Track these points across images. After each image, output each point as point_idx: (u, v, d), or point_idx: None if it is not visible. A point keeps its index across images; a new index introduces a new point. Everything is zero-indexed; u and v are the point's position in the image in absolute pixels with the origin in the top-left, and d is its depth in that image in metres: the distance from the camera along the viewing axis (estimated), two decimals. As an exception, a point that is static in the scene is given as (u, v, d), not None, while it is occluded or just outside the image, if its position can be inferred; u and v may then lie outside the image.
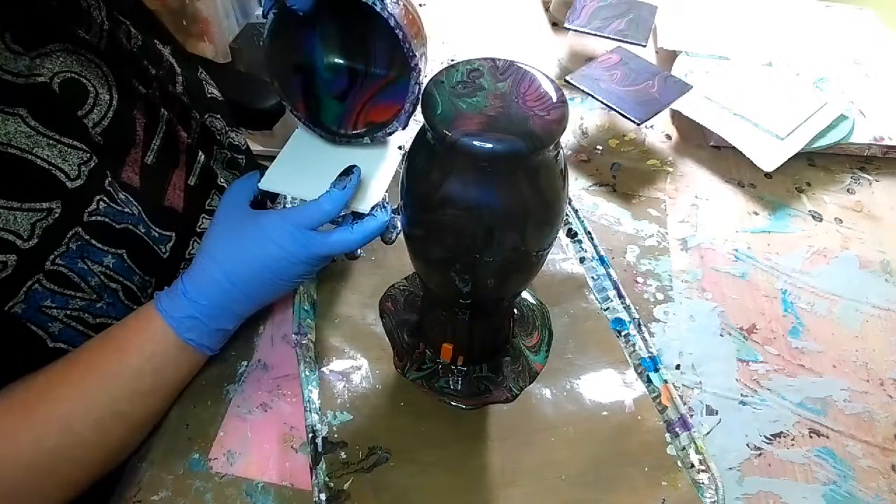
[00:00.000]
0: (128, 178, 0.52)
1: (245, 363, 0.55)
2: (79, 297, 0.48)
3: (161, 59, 0.59)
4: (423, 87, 0.38)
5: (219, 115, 0.68)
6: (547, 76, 0.38)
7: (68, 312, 0.48)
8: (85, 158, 0.46)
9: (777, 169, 0.71)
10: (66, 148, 0.45)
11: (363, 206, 0.49)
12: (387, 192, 0.50)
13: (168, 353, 0.47)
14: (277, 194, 0.67)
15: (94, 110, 0.49)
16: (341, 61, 0.52)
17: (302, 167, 0.51)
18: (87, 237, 0.47)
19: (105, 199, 0.48)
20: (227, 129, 0.70)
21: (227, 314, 0.49)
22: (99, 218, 0.48)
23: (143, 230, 0.51)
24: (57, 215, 0.45)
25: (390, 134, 0.50)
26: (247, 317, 0.51)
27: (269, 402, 0.53)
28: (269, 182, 0.50)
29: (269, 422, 0.51)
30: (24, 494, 0.43)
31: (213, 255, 0.48)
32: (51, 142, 0.45)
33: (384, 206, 0.49)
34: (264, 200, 0.66)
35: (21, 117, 0.43)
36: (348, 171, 0.47)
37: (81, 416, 0.44)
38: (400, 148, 0.52)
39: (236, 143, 0.71)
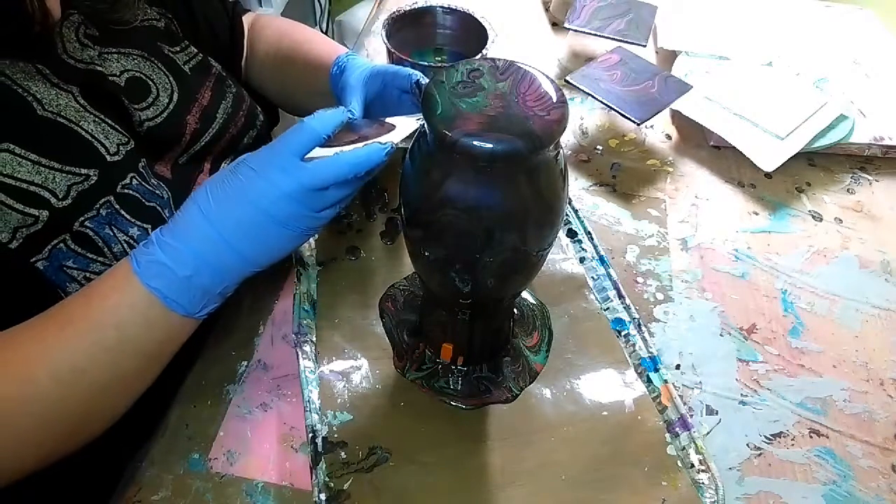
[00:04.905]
0: (160, 170, 0.56)
1: (245, 363, 0.55)
2: (100, 261, 0.49)
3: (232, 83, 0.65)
4: None
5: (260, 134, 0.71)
6: (547, 76, 0.38)
7: (87, 275, 0.49)
8: (124, 141, 0.51)
9: (777, 169, 0.71)
10: (108, 128, 0.50)
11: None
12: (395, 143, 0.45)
13: (134, 306, 0.42)
14: None
15: (150, 109, 0.54)
16: None
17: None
18: (118, 206, 0.50)
19: (137, 177, 0.52)
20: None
21: (201, 263, 0.42)
22: (131, 192, 0.51)
23: (167, 215, 0.54)
24: (93, 182, 0.48)
25: None
26: (230, 282, 0.45)
27: (269, 402, 0.53)
28: None
29: (269, 422, 0.51)
30: None
31: (194, 197, 0.44)
32: (96, 119, 0.49)
33: (385, 144, 0.44)
34: None
35: (73, 94, 0.48)
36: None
37: (39, 364, 0.41)
38: (419, 119, 0.49)
39: None
